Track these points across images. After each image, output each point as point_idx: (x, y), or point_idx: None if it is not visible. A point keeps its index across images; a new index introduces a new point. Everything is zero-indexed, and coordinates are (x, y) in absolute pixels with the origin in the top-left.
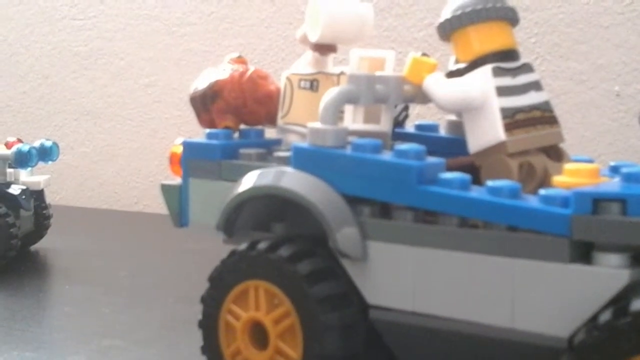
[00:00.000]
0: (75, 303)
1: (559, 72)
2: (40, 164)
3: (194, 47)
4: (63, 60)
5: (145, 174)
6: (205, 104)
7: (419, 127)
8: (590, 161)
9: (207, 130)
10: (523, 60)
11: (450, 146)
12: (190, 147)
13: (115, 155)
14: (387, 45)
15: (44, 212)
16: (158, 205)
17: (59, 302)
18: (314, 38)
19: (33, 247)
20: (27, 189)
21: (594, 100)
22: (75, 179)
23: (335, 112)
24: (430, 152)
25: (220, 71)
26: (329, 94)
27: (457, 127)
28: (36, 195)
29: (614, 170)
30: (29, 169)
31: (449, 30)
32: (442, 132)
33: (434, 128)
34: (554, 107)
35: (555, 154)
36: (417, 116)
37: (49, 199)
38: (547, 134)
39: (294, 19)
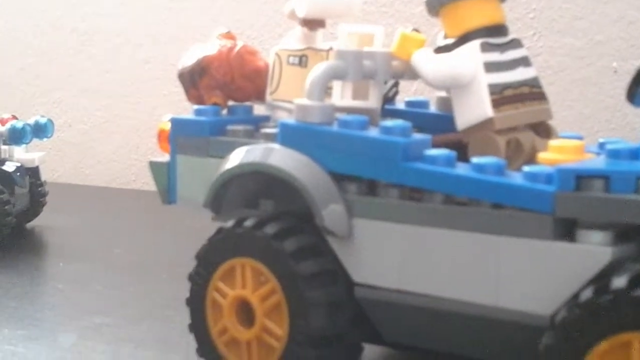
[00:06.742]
0: (69, 280)
1: (556, 48)
2: (36, 140)
3: (191, 23)
4: (60, 36)
5: (144, 151)
6: (193, 80)
7: (409, 103)
8: (579, 138)
9: (195, 107)
10: (516, 35)
11: (440, 123)
12: (178, 124)
13: (113, 132)
14: (385, 21)
15: (40, 189)
16: None
17: (53, 280)
18: (301, 13)
19: (28, 225)
20: (21, 166)
21: (591, 77)
22: (73, 156)
23: (322, 88)
24: (419, 129)
25: (209, 47)
26: (316, 70)
27: (447, 104)
28: (31, 173)
29: (602, 147)
30: (24, 145)
31: (437, 5)
32: (433, 108)
33: (424, 104)
34: (552, 84)
35: (543, 130)
36: (415, 92)
37: (47, 176)
38: (535, 110)
39: None
